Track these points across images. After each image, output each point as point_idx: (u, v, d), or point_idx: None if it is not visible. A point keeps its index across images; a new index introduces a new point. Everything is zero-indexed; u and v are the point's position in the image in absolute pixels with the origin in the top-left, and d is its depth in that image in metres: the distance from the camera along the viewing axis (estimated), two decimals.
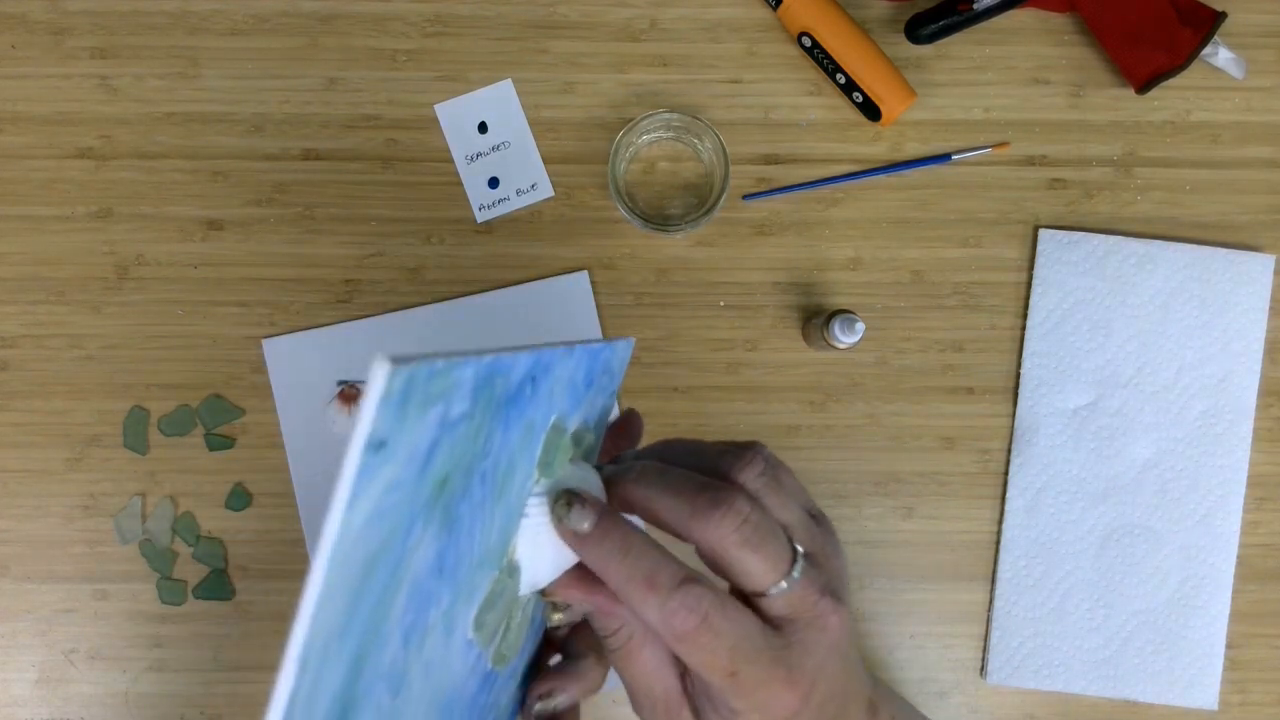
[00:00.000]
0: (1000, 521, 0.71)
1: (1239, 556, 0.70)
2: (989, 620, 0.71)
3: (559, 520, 0.33)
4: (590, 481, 0.35)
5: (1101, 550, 0.70)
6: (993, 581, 0.71)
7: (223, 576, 0.70)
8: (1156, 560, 0.70)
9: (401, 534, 0.27)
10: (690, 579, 0.32)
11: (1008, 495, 0.71)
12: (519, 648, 0.37)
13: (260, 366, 0.70)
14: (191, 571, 0.70)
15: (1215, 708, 0.70)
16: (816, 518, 0.37)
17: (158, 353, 0.70)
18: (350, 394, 0.70)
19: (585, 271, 0.70)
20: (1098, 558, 0.70)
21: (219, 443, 0.70)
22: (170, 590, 0.70)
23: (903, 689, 0.71)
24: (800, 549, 0.35)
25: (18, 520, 0.70)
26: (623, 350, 0.39)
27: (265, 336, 0.70)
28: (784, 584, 0.34)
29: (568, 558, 0.35)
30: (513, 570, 0.34)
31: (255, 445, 0.70)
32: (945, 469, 0.71)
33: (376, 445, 0.24)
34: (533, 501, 0.34)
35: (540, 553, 0.34)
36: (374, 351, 0.30)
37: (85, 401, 0.70)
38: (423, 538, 0.28)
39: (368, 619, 0.26)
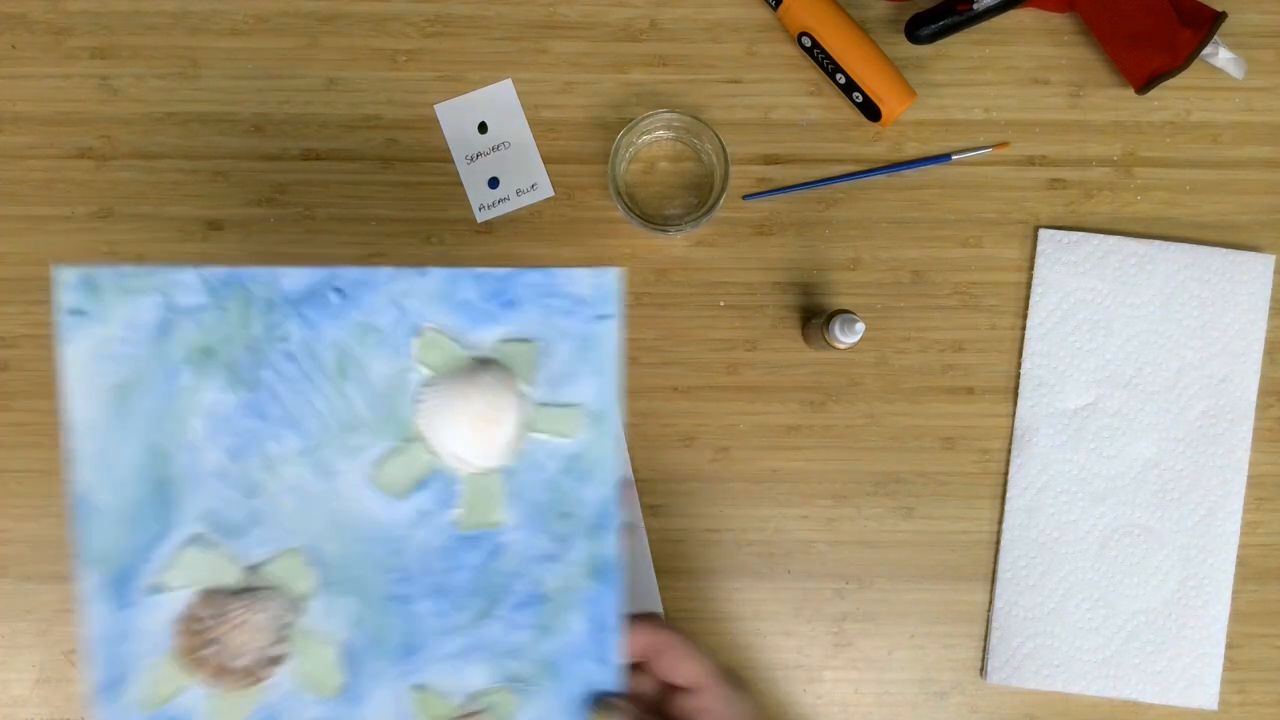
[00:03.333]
0: (1000, 521, 0.71)
1: (1239, 556, 0.70)
2: (989, 620, 0.71)
3: None
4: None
5: (1101, 550, 0.70)
6: (993, 581, 0.71)
7: None
8: (1156, 560, 0.70)
9: (159, 373, 0.40)
10: None
11: (1008, 495, 0.71)
12: (495, 521, 0.43)
13: None
14: None
15: (1215, 708, 0.70)
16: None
17: None
18: None
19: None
20: (1098, 558, 0.70)
21: None
22: None
23: (903, 689, 0.71)
24: None
25: (18, 520, 0.70)
26: (573, 280, 0.43)
27: None
28: None
29: (474, 440, 0.42)
30: (414, 441, 0.42)
31: None
32: (945, 469, 0.71)
33: (76, 312, 0.39)
34: (424, 391, 0.42)
35: (443, 433, 0.42)
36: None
37: None
38: (202, 386, 0.40)
39: (149, 422, 0.39)
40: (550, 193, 0.71)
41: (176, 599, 0.40)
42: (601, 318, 0.44)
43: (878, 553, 0.71)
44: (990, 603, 0.71)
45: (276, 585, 0.41)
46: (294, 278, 0.40)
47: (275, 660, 0.40)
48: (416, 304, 0.42)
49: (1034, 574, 0.70)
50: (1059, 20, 0.72)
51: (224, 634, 0.39)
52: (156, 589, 0.40)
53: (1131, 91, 0.71)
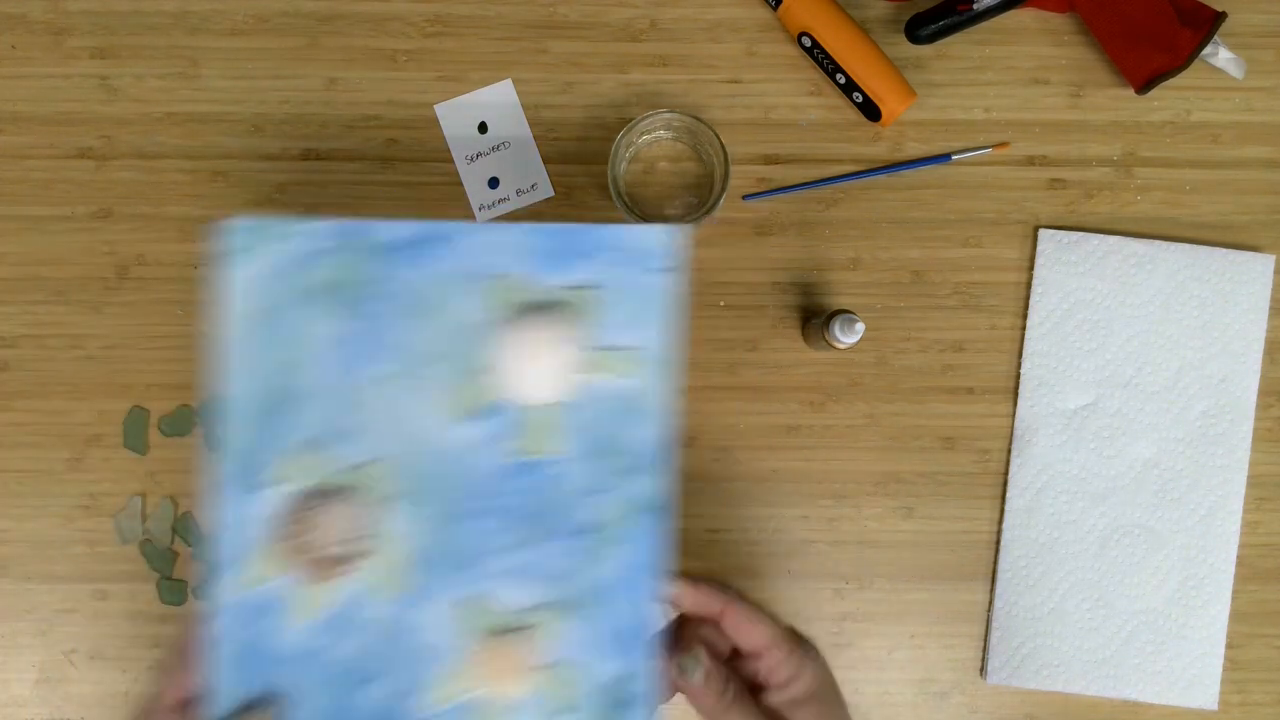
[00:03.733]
0: (1000, 521, 0.71)
1: (1239, 556, 0.70)
2: (989, 620, 0.71)
3: (679, 672, 0.45)
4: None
5: (1101, 550, 0.70)
6: (993, 581, 0.71)
7: None
8: (1156, 560, 0.70)
9: (293, 302, 0.46)
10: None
11: (1008, 495, 0.71)
12: (552, 451, 0.47)
13: None
14: (192, 571, 0.70)
15: (1215, 708, 0.70)
16: None
17: (158, 353, 0.70)
18: None
19: None
20: (1098, 558, 0.70)
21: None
22: (170, 590, 0.70)
23: (903, 689, 0.71)
24: None
25: (18, 520, 0.70)
26: (637, 236, 0.47)
27: None
28: None
29: (539, 375, 0.47)
30: (484, 373, 0.47)
31: None
32: (945, 469, 0.71)
33: (241, 249, 0.46)
34: (497, 329, 0.47)
35: (509, 367, 0.47)
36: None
37: (85, 401, 0.70)
38: (324, 313, 0.46)
39: (282, 341, 0.46)
40: (550, 193, 0.71)
41: (286, 493, 0.46)
42: (663, 270, 0.48)
43: (878, 553, 0.71)
44: (990, 603, 0.71)
45: (366, 489, 0.46)
46: (401, 229, 0.47)
47: (357, 555, 0.46)
48: (498, 254, 0.47)
49: (1034, 574, 0.70)
50: (1059, 20, 0.72)
51: (318, 525, 0.46)
52: (274, 482, 0.46)
53: (1131, 91, 0.71)
